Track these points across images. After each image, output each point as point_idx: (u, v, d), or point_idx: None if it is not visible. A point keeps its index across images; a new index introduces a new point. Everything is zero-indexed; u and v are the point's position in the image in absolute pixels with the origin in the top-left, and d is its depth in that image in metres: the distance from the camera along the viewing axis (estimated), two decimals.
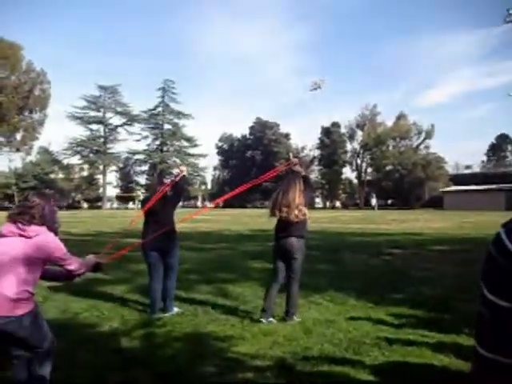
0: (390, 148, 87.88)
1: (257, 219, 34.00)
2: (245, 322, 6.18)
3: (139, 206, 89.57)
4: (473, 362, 1.15)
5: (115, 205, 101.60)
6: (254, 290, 8.21)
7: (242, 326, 6.02)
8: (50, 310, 6.74)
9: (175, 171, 7.31)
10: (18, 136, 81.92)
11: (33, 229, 3.46)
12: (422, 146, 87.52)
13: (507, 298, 1.04)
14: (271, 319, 6.15)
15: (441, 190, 77.55)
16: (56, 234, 3.64)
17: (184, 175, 7.09)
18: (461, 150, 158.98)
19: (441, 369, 4.42)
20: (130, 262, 10.90)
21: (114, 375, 4.36)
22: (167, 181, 7.27)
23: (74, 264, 3.66)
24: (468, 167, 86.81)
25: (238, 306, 7.13)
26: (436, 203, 73.68)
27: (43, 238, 3.47)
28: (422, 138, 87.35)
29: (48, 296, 7.92)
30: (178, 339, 5.52)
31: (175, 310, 6.77)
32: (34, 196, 3.60)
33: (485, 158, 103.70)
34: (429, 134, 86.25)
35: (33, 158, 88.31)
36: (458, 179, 79.67)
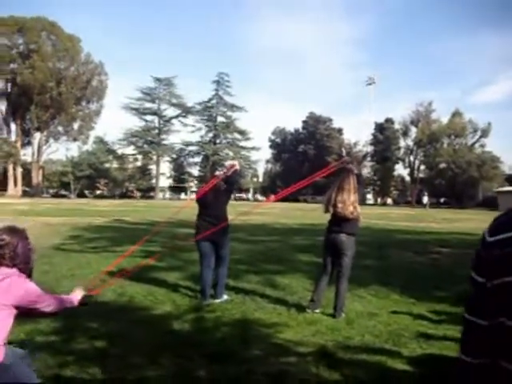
0: (444, 146, 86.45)
1: (307, 213, 34.19)
2: (291, 311, 6.48)
3: (191, 196, 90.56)
4: (462, 326, 1.49)
5: (168, 195, 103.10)
6: (301, 282, 8.50)
7: (287, 314, 6.32)
8: (107, 293, 7.17)
9: (227, 163, 7.56)
10: (76, 126, 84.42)
11: (0, 271, 3.00)
12: (477, 145, 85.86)
13: (482, 275, 1.37)
14: (317, 310, 6.43)
15: (495, 189, 75.83)
16: (29, 275, 3.16)
17: (236, 169, 7.36)
18: None
19: None
20: (183, 251, 11.33)
21: (168, 353, 4.70)
22: (219, 173, 7.53)
23: (51, 306, 3.17)
24: None
25: (284, 296, 7.42)
26: (490, 203, 71.97)
27: (12, 281, 2.97)
28: (477, 137, 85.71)
29: (105, 279, 8.40)
30: (227, 324, 5.86)
31: (225, 297, 7.11)
32: (4, 233, 3.09)
33: None
34: (485, 133, 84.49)
35: (89, 147, 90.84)
36: None
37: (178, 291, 7.60)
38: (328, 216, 6.61)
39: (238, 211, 8.57)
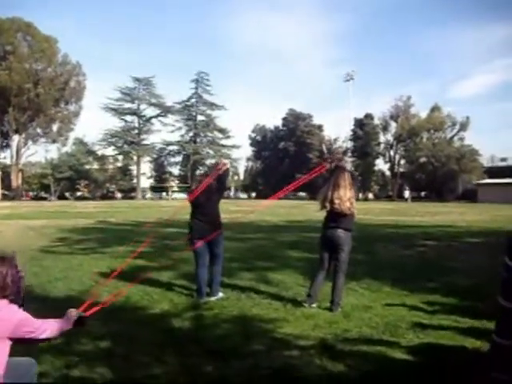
0: (424, 140, 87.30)
1: (290, 210, 34.38)
2: (287, 306, 6.59)
3: (172, 196, 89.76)
4: (498, 311, 1.60)
5: (149, 195, 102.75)
6: (294, 278, 8.63)
7: (284, 309, 6.43)
8: (103, 293, 7.19)
9: (208, 162, 7.59)
10: (54, 127, 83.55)
11: None
12: (456, 138, 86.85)
13: None
14: (314, 305, 6.55)
15: (474, 182, 76.72)
16: (21, 305, 3.03)
17: (227, 168, 7.44)
18: (497, 142, 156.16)
19: (472, 350, 4.76)
20: (173, 250, 11.40)
21: (172, 351, 4.78)
22: (211, 173, 7.59)
23: (47, 331, 3.06)
24: (503, 160, 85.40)
25: (279, 292, 7.52)
26: (470, 196, 72.94)
27: (3, 314, 2.86)
28: (456, 130, 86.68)
29: (98, 281, 8.45)
30: (226, 321, 5.94)
31: (220, 294, 7.19)
32: None
33: None
34: (463, 126, 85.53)
35: (68, 148, 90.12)
36: (493, 172, 78.57)
37: (173, 290, 7.66)
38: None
39: (239, 210, 8.64)
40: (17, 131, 79.46)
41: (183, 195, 78.70)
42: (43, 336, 3.05)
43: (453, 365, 4.41)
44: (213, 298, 7.03)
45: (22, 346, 3.12)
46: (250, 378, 4.19)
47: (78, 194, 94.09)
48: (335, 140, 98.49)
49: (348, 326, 5.63)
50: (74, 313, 3.31)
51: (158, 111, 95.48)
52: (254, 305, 6.70)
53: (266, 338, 5.24)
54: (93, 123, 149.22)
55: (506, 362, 1.57)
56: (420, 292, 7.47)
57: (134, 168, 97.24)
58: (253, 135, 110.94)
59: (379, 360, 4.54)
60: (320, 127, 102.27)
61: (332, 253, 6.57)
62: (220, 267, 7.33)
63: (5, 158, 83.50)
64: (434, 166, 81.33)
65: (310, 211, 29.97)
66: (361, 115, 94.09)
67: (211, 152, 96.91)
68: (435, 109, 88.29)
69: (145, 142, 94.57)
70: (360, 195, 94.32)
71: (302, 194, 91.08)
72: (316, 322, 5.84)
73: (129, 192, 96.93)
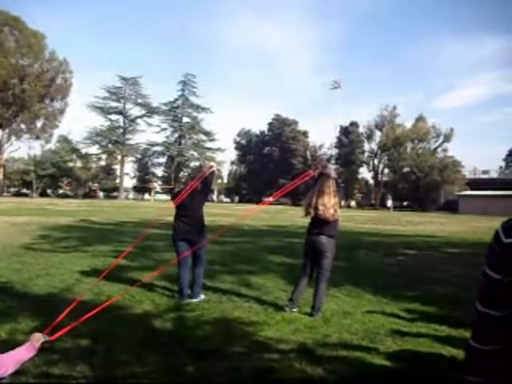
0: (408, 150, 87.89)
1: (273, 216, 34.40)
2: (268, 310, 6.62)
3: (155, 197, 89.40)
4: (474, 315, 1.66)
5: (131, 195, 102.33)
6: (274, 283, 8.65)
7: (265, 313, 6.45)
8: (84, 292, 7.18)
9: (192, 164, 7.62)
10: (39, 124, 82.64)
11: None
12: (439, 149, 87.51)
13: (498, 272, 1.54)
14: (295, 310, 6.59)
15: (456, 193, 77.42)
16: None
17: (213, 170, 7.47)
18: (479, 154, 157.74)
19: (449, 358, 4.84)
20: (154, 251, 11.38)
21: (153, 351, 4.79)
22: (198, 175, 7.60)
23: (11, 367, 2.80)
24: (485, 172, 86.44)
25: (260, 295, 7.55)
26: (451, 207, 73.60)
27: None
28: (440, 141, 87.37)
29: (80, 279, 8.43)
30: (208, 322, 5.96)
31: (202, 296, 7.20)
32: None
33: (503, 164, 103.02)
34: (447, 138, 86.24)
35: (52, 146, 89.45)
36: (474, 184, 79.36)
37: (154, 291, 7.65)
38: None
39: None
40: (0, 126, 78.71)
41: (166, 196, 78.68)
42: (8, 373, 2.79)
43: (430, 371, 4.49)
44: (194, 300, 7.04)
45: None
46: (232, 378, 4.23)
47: (60, 191, 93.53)
48: (320, 147, 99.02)
49: (328, 332, 5.68)
50: (38, 336, 3.08)
51: (143, 111, 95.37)
52: (235, 308, 6.73)
53: (247, 340, 5.27)
54: (78, 121, 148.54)
55: (483, 367, 1.62)
56: (400, 300, 7.54)
57: (117, 167, 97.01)
58: (238, 139, 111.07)
59: (358, 365, 4.60)
60: (305, 133, 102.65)
61: (315, 259, 6.62)
62: (202, 269, 7.35)
63: None
64: (417, 176, 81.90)
65: (293, 217, 30.15)
66: (346, 123, 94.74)
67: (196, 154, 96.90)
68: (420, 119, 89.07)
69: (129, 142, 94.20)
70: (342, 203, 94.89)
71: (284, 199, 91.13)
72: (296, 326, 5.88)
73: (111, 191, 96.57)
